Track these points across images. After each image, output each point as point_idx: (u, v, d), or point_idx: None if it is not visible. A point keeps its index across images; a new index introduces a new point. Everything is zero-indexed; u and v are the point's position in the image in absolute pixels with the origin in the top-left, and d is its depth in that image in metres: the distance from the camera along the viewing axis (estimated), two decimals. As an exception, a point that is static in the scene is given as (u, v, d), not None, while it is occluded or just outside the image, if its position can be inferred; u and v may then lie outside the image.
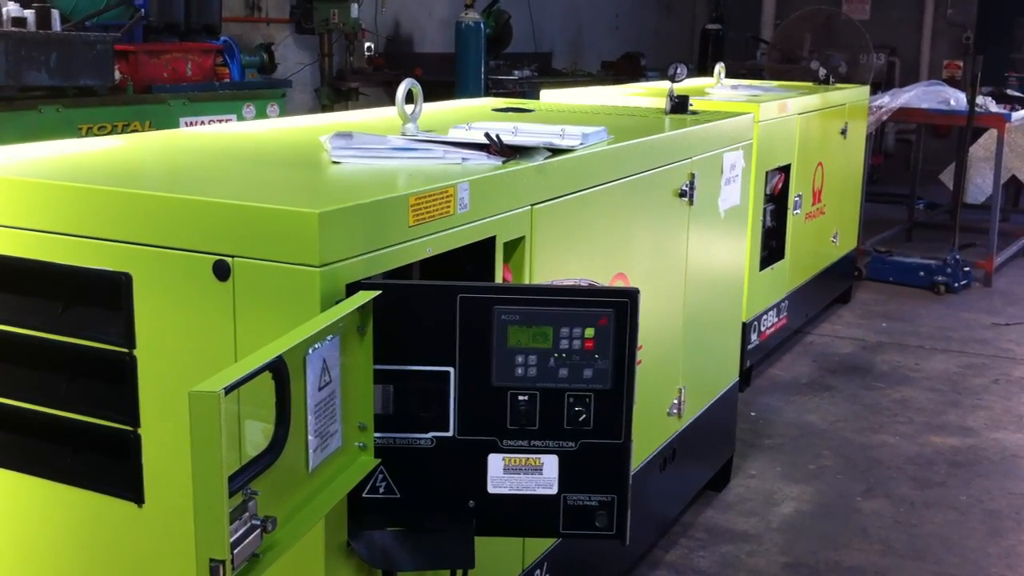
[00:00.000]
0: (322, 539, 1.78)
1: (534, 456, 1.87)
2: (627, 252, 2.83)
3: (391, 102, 2.52)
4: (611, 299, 1.85)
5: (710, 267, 3.47)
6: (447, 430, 1.85)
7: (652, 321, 2.95)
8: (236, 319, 1.78)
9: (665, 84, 3.90)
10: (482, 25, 8.66)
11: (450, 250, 2.03)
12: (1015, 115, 7.26)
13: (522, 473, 1.87)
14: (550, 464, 1.87)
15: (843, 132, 6.07)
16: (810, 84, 6.27)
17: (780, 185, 5.20)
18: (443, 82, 8.10)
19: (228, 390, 1.36)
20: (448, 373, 1.83)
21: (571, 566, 2.65)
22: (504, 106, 3.67)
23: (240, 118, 5.94)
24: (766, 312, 5.09)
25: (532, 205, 2.30)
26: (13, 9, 5.00)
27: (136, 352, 1.90)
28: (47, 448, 2.05)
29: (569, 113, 3.53)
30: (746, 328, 4.71)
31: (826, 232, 6.06)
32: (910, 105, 7.47)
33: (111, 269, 1.89)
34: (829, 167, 5.84)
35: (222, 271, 1.77)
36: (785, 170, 5.20)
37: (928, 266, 7.07)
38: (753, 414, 4.77)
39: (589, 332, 1.84)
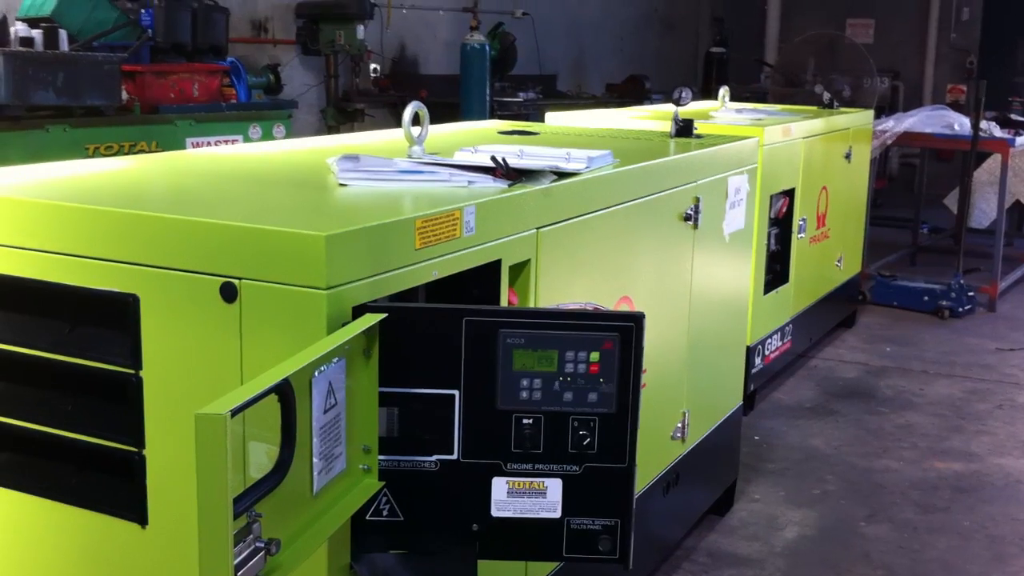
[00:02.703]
0: (325, 562, 1.77)
1: (538, 480, 1.86)
2: (632, 275, 2.84)
3: (396, 123, 2.53)
4: (616, 323, 1.86)
5: (714, 291, 3.48)
6: (451, 453, 1.85)
7: (656, 344, 2.95)
8: (242, 341, 1.78)
9: (669, 107, 3.92)
10: (487, 47, 8.70)
11: (456, 273, 2.04)
12: (1019, 140, 7.27)
13: (526, 497, 1.87)
14: (554, 488, 1.87)
15: (847, 156, 6.08)
16: (814, 108, 6.29)
17: (784, 209, 5.21)
18: (448, 103, 8.13)
19: (234, 412, 1.36)
20: (453, 396, 1.83)
21: (574, 590, 2.65)
22: (510, 129, 3.68)
23: (246, 139, 5.96)
24: (770, 336, 5.09)
25: (538, 228, 2.30)
26: (21, 29, 5.03)
27: (142, 373, 1.90)
28: (52, 468, 2.05)
29: (574, 136, 3.54)
30: (750, 352, 4.71)
31: (830, 256, 6.07)
32: (914, 129, 7.49)
33: (118, 290, 1.89)
34: (833, 191, 5.85)
35: (229, 293, 1.78)
36: (789, 194, 5.21)
37: (932, 291, 7.07)
38: (757, 438, 4.76)
39: (594, 356, 1.84)
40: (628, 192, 2.75)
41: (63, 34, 5.16)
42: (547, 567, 2.51)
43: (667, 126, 3.63)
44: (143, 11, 5.69)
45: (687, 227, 3.15)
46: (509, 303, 2.24)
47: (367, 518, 1.83)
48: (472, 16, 8.86)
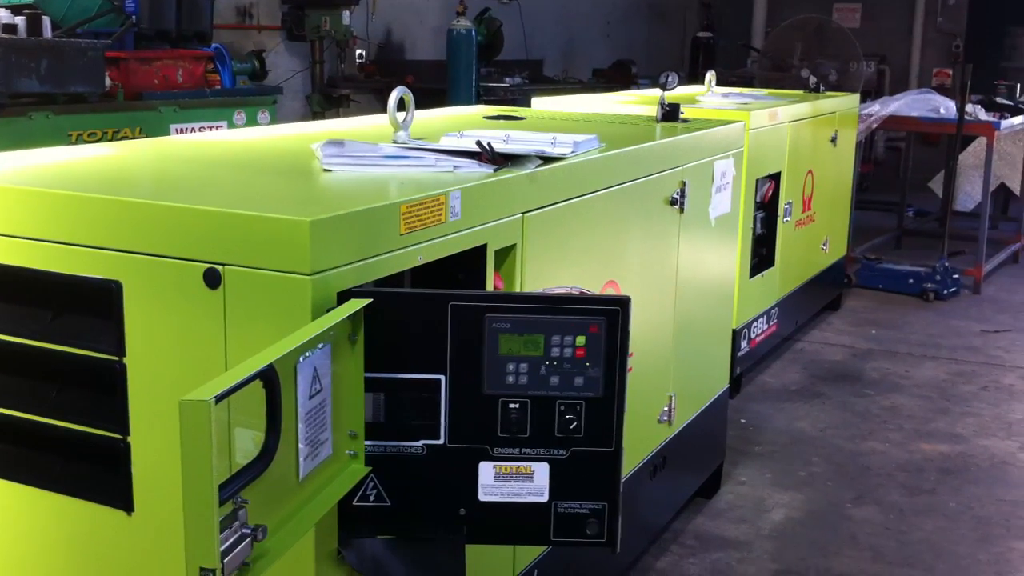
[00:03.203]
0: (312, 547, 1.77)
1: (525, 464, 1.87)
2: (618, 260, 2.84)
3: (382, 109, 2.52)
4: (602, 307, 1.86)
5: (701, 274, 3.48)
6: (438, 438, 1.85)
7: (643, 328, 2.95)
8: (227, 327, 1.78)
9: (656, 92, 3.92)
10: (473, 33, 8.67)
11: (441, 258, 2.03)
12: (1004, 123, 7.29)
13: (513, 481, 1.87)
14: (541, 472, 1.88)
15: (833, 140, 6.09)
16: (800, 92, 6.30)
17: (770, 193, 5.21)
18: (435, 89, 8.10)
19: (219, 399, 1.36)
20: (439, 381, 1.83)
21: (562, 574, 2.65)
22: (495, 114, 3.67)
23: (231, 125, 5.93)
24: (756, 319, 5.10)
25: (523, 213, 2.30)
26: (3, 15, 4.99)
27: (126, 360, 1.89)
28: (36, 456, 2.04)
29: (560, 121, 3.53)
30: (736, 335, 4.72)
31: (816, 239, 6.08)
32: (900, 113, 7.50)
33: (101, 277, 1.88)
34: (819, 175, 5.86)
35: (213, 279, 1.77)
36: (775, 178, 5.21)
37: (917, 273, 7.10)
38: (743, 421, 4.77)
39: (580, 340, 1.84)
40: (614, 176, 2.75)
41: (46, 21, 5.12)
42: (535, 551, 2.52)
43: (654, 111, 3.63)
44: (127, -3, 5.66)
45: (673, 211, 3.15)
46: (495, 288, 2.23)
47: (354, 503, 1.83)
48: (459, 2, 8.82)
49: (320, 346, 1.66)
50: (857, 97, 6.75)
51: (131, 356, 1.89)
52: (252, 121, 6.09)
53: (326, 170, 2.25)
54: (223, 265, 1.77)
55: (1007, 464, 4.40)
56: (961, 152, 7.66)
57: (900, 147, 10.00)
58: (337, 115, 8.12)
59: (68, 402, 1.98)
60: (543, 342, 1.83)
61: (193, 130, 5.60)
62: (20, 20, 4.98)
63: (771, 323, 5.34)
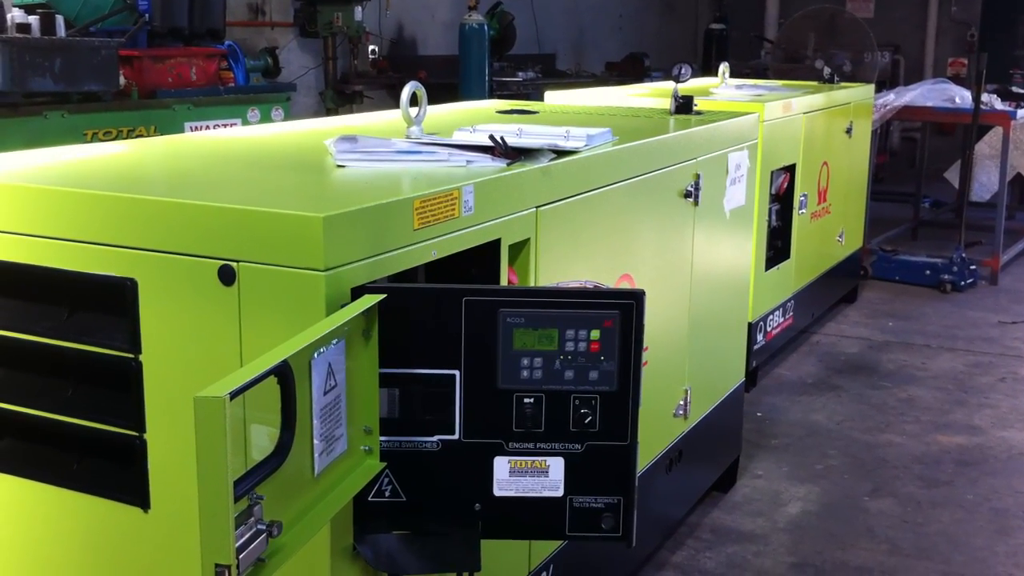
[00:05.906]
0: (328, 543, 1.78)
1: (540, 459, 1.86)
2: (632, 253, 2.83)
3: (395, 105, 2.52)
4: (617, 301, 1.85)
5: (715, 267, 3.47)
6: (453, 433, 1.85)
7: (658, 322, 2.94)
8: (241, 324, 1.78)
9: (669, 84, 3.91)
10: (485, 27, 8.67)
11: (455, 253, 2.03)
12: (1020, 112, 7.25)
13: (528, 476, 1.87)
14: (556, 466, 1.87)
15: (848, 131, 6.06)
16: (814, 83, 6.26)
17: (785, 185, 5.19)
18: (447, 84, 8.10)
19: (234, 395, 1.36)
20: (454, 376, 1.83)
21: (577, 568, 2.65)
22: (508, 108, 3.67)
23: (245, 122, 5.94)
24: (772, 312, 5.09)
25: (537, 207, 2.30)
26: (17, 15, 5.01)
27: (142, 357, 1.90)
28: (53, 454, 2.05)
29: (573, 114, 3.52)
30: (752, 328, 4.71)
31: (831, 231, 6.06)
32: (915, 103, 7.46)
33: (116, 275, 1.89)
34: (834, 166, 5.83)
35: (227, 276, 1.77)
36: (790, 170, 5.19)
37: (934, 265, 7.06)
38: (759, 414, 4.76)
39: (595, 334, 1.84)
40: (628, 170, 2.74)
41: (60, 20, 5.14)
42: (550, 546, 2.51)
43: (667, 103, 3.62)
44: (139, -5, 5.67)
45: (688, 204, 3.14)
46: (509, 282, 2.23)
47: (369, 499, 1.83)
48: (470, -4, 8.82)
49: (334, 342, 1.66)
50: (872, 88, 6.71)
51: (146, 353, 1.90)
52: (266, 118, 6.10)
53: (339, 166, 2.25)
54: (237, 262, 1.77)
55: (1025, 455, 4.38)
56: (977, 142, 7.61)
57: (915, 137, 9.96)
58: (350, 111, 8.13)
59: (84, 399, 1.99)
60: (557, 336, 1.83)
61: (207, 127, 5.61)
62: (34, 19, 5.01)
63: (787, 316, 5.32)
